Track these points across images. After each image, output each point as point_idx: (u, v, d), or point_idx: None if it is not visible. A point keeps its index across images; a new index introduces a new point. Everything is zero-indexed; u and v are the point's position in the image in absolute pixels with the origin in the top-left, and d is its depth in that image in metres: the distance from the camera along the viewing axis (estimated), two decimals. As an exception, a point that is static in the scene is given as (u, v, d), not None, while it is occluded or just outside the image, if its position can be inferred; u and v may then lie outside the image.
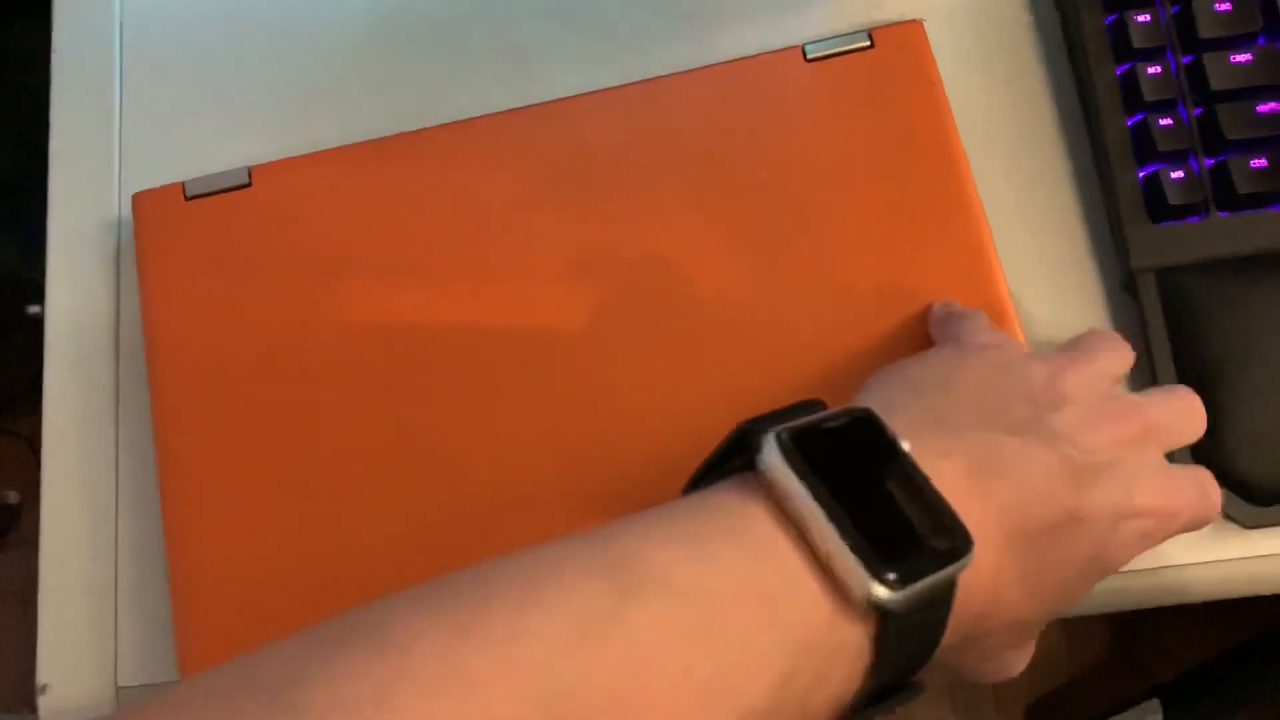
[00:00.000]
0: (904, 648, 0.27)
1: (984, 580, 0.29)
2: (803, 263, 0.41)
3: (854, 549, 0.26)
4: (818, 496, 0.26)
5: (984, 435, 0.30)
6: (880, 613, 0.26)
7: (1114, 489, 0.31)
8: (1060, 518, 0.30)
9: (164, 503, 0.39)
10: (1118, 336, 0.36)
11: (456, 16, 0.47)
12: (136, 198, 0.42)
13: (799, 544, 0.27)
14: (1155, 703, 0.98)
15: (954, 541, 0.27)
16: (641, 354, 0.40)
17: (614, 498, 0.38)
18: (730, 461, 0.30)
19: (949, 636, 0.28)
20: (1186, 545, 0.40)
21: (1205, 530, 0.40)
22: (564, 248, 0.41)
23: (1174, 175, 0.41)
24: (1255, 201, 0.41)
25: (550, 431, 0.39)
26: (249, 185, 0.42)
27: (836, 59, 0.43)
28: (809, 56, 0.43)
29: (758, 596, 0.26)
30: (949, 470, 0.29)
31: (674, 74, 0.43)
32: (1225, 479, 0.40)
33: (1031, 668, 0.34)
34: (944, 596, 0.27)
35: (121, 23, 0.47)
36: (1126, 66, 0.42)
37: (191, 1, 0.47)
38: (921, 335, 0.40)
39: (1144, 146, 0.41)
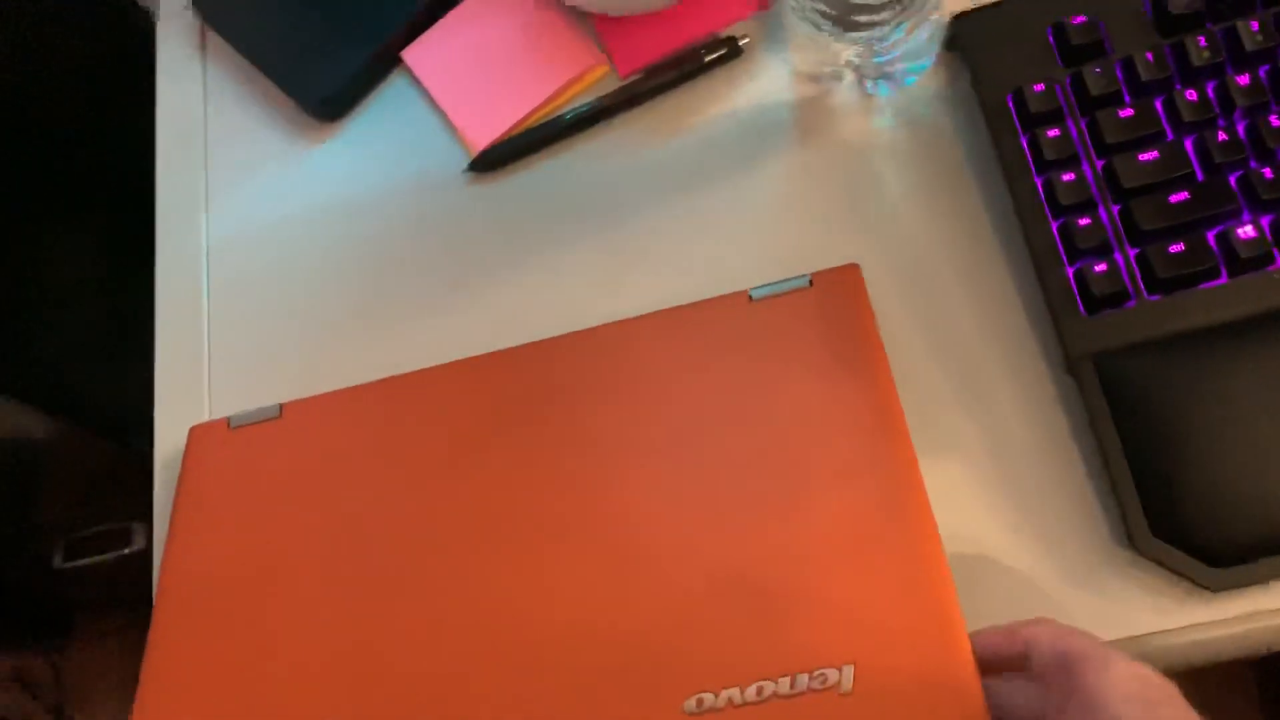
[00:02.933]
0: None
1: None
2: (743, 484, 0.43)
3: None
4: None
5: None
6: None
7: None
8: None
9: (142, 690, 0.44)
10: None
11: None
12: (193, 430, 0.51)
13: None
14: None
15: None
16: (599, 563, 0.43)
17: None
18: None
19: None
20: (1158, 612, 0.42)
21: (1174, 598, 0.42)
22: (535, 484, 0.45)
23: (1097, 269, 0.44)
24: (1180, 283, 0.44)
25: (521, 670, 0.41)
26: (279, 418, 0.50)
27: (779, 299, 0.46)
28: (754, 298, 0.47)
29: None
30: None
31: (637, 317, 0.48)
32: (1185, 546, 0.42)
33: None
34: None
35: (208, 254, 0.58)
36: (1045, 177, 0.46)
37: (263, 243, 0.58)
38: (831, 555, 0.41)
39: (1069, 245, 0.45)
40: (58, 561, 1.16)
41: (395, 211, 0.56)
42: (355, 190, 0.57)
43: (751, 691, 0.39)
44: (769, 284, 0.47)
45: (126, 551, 1.15)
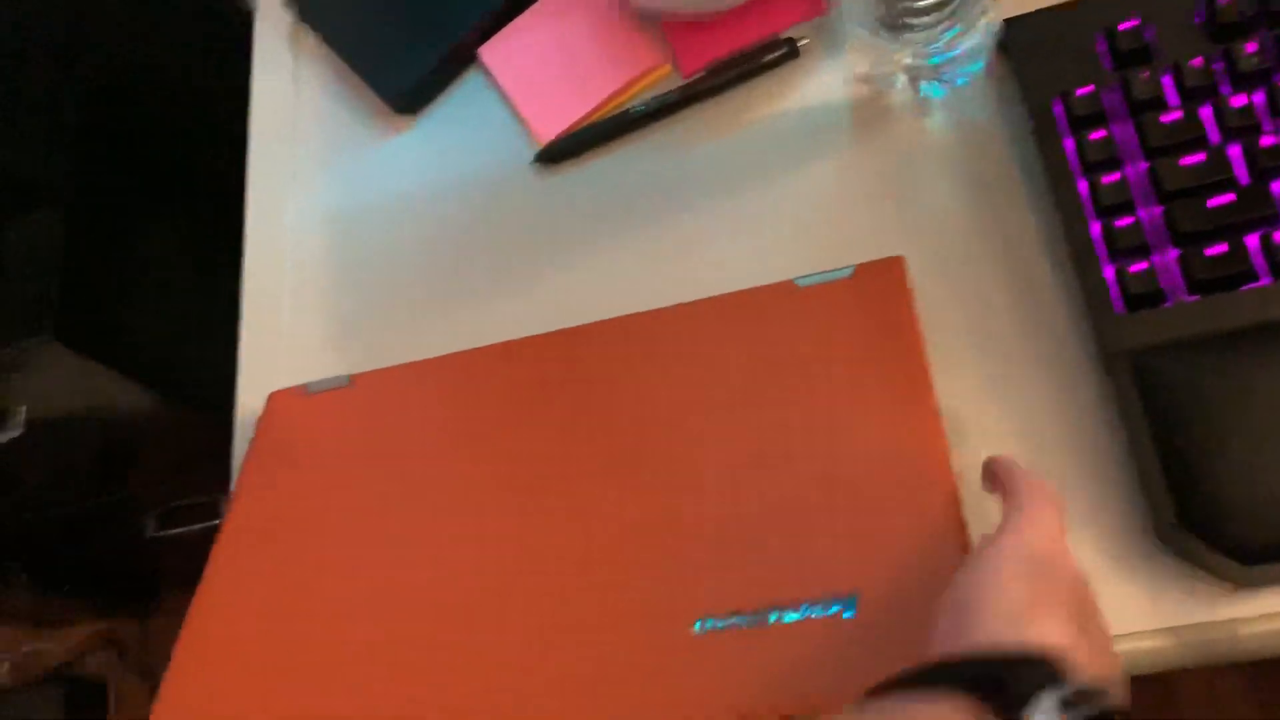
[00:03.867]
0: None
1: None
2: (776, 441, 0.46)
3: None
4: None
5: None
6: None
7: None
8: None
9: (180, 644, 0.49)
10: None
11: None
12: (272, 395, 0.55)
13: None
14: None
15: None
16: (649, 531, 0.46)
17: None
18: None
19: None
20: (1182, 606, 0.43)
21: (1200, 593, 0.43)
22: (586, 438, 0.48)
23: (1135, 268, 0.45)
24: (1218, 285, 0.45)
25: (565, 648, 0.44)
26: (349, 387, 0.54)
27: (823, 287, 0.49)
28: (799, 286, 0.49)
29: None
30: None
31: (692, 301, 0.51)
32: (1214, 542, 0.42)
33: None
34: None
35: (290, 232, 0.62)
36: (1088, 178, 0.47)
37: (339, 217, 0.61)
38: (855, 511, 0.43)
39: (1110, 245, 0.46)
40: (151, 530, 1.22)
41: (465, 199, 0.60)
42: (429, 178, 0.61)
43: (759, 616, 0.41)
44: (814, 274, 0.49)
45: (216, 523, 1.21)
